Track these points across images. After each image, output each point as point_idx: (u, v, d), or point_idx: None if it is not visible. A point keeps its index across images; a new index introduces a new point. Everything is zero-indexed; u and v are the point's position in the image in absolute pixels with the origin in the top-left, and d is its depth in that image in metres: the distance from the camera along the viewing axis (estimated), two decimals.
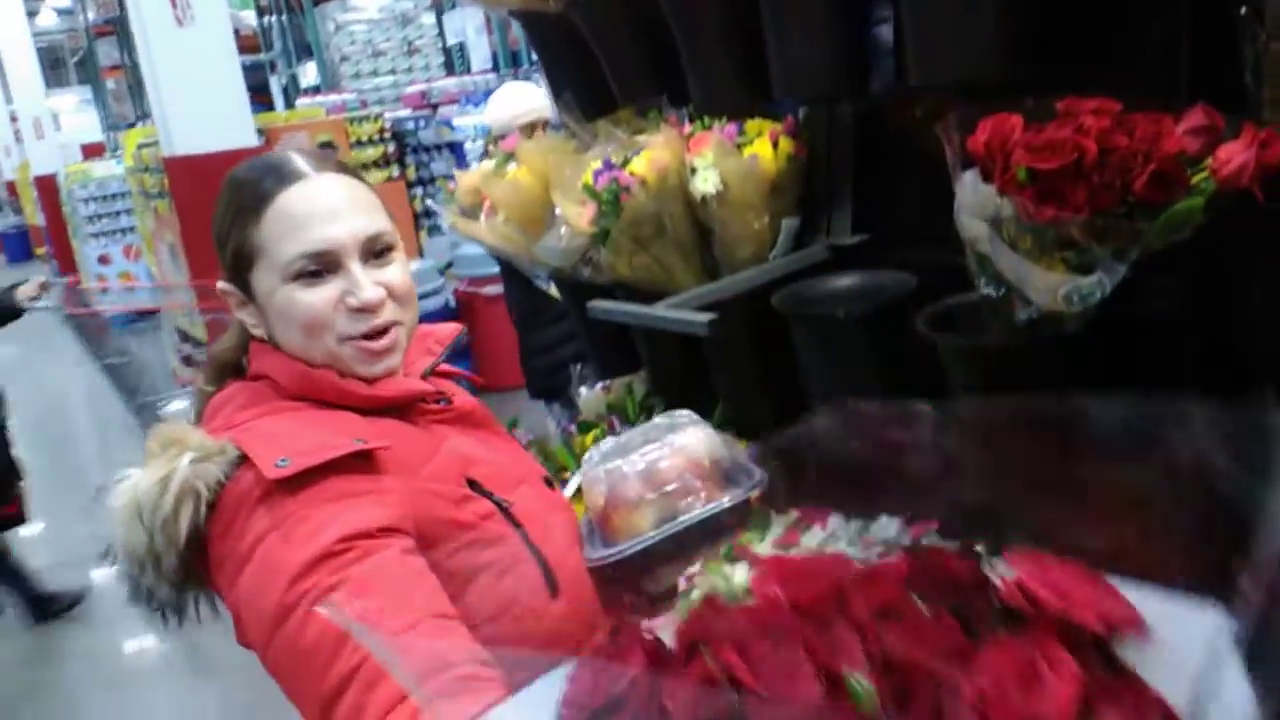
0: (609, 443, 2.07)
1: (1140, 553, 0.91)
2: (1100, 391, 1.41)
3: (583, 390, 2.51)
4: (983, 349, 1.41)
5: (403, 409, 1.13)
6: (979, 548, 0.75)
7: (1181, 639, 0.60)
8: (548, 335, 3.54)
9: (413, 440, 1.09)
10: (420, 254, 6.72)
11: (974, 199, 1.29)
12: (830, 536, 2.05)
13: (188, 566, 0.98)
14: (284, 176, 1.08)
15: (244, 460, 0.98)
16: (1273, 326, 1.32)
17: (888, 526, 2.01)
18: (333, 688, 0.89)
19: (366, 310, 1.08)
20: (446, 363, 1.26)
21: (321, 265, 1.06)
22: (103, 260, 10.30)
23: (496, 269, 4.21)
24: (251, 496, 0.96)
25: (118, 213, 10.30)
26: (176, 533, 0.95)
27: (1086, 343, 1.32)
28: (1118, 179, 1.08)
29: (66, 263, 12.30)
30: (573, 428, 2.38)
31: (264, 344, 1.12)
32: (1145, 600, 0.64)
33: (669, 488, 1.61)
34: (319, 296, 1.06)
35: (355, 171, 1.18)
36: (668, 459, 1.77)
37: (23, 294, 4.33)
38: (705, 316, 1.62)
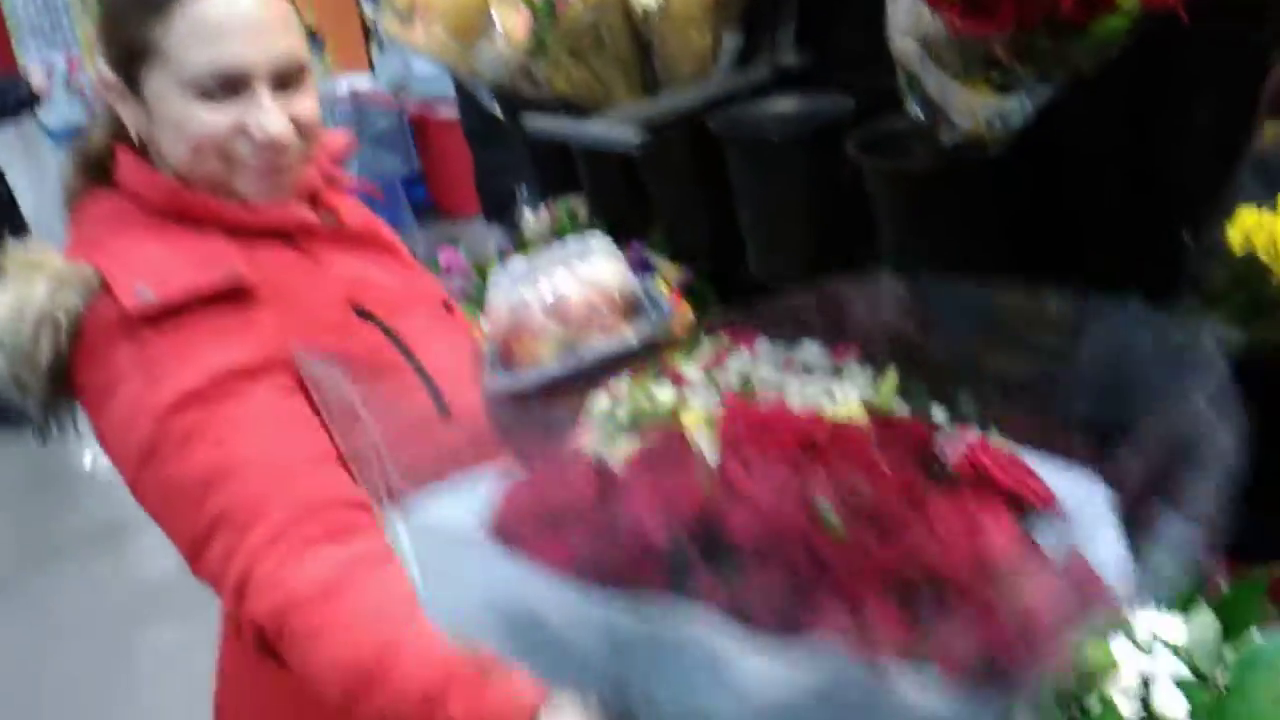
0: (519, 264, 2.07)
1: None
2: (1022, 219, 1.44)
3: (526, 211, 2.49)
4: (905, 173, 1.40)
5: (287, 232, 1.07)
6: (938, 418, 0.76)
7: (1070, 505, 0.63)
8: (502, 155, 3.46)
9: (293, 267, 1.04)
10: (371, 69, 6.44)
11: (905, 15, 1.26)
12: (757, 360, 2.09)
13: (56, 387, 0.96)
14: None
15: (105, 286, 0.94)
16: (1197, 156, 1.33)
17: (810, 349, 2.05)
18: (203, 529, 0.90)
19: (269, 145, 1.00)
20: (338, 174, 1.19)
21: (228, 86, 0.97)
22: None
23: (453, 89, 4.08)
24: (112, 327, 0.93)
25: (58, 17, 9.81)
26: (37, 361, 0.92)
27: (1010, 169, 1.32)
28: None
29: (10, 73, 11.78)
30: (512, 249, 2.37)
31: (132, 152, 1.04)
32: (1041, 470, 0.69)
33: (573, 318, 1.63)
34: (219, 118, 0.97)
35: None
36: (576, 289, 1.78)
37: None
38: (638, 135, 1.59)
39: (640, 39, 1.82)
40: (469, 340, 1.20)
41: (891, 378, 1.82)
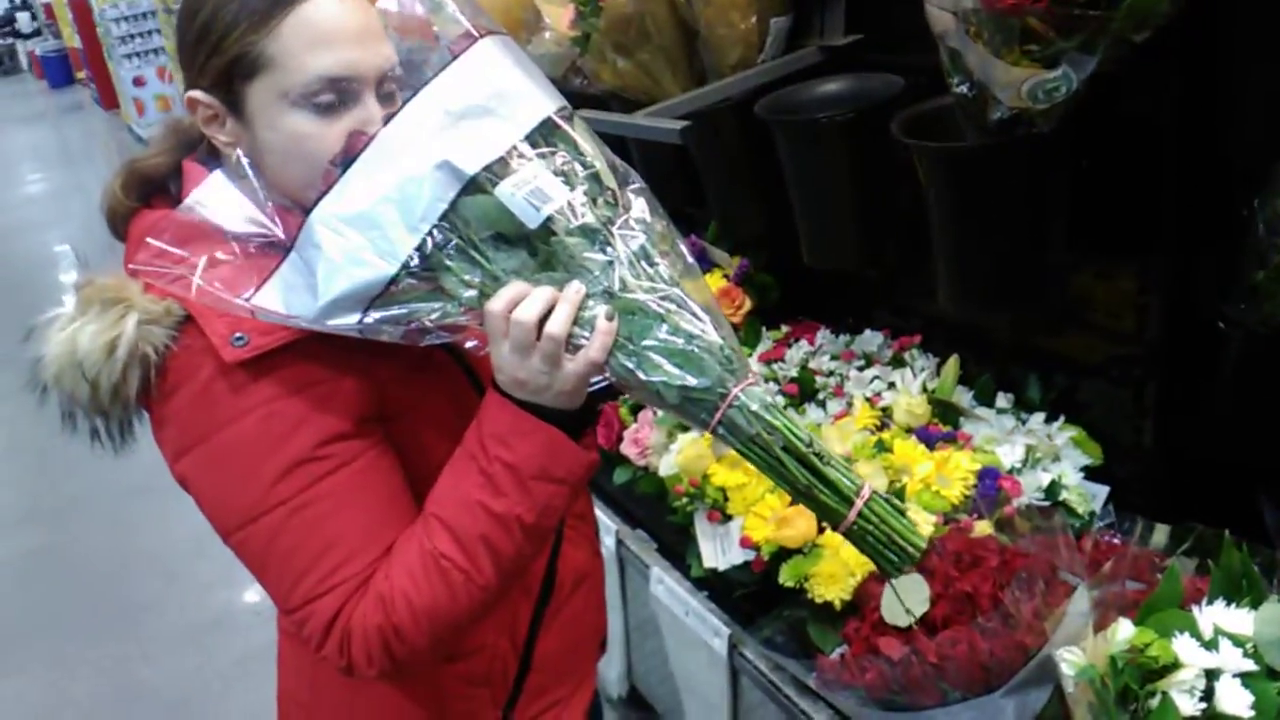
0: None
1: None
2: (1074, 194, 1.39)
3: None
4: (952, 152, 1.37)
5: None
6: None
7: None
8: None
9: None
10: None
11: None
12: (817, 350, 2.06)
13: (132, 412, 0.97)
14: None
15: (190, 320, 0.93)
16: (1255, 124, 1.26)
17: (871, 340, 2.02)
18: (301, 596, 0.94)
19: None
20: None
21: (340, 93, 0.93)
22: (138, 82, 10.21)
23: None
24: (204, 370, 0.93)
25: (149, 32, 10.14)
26: (126, 394, 0.93)
27: (1060, 143, 1.28)
28: None
29: (105, 86, 12.23)
30: None
31: (202, 167, 1.01)
32: None
33: None
34: (332, 129, 0.93)
35: None
36: None
37: None
38: (679, 124, 1.58)
39: (685, 28, 1.80)
40: None
41: (953, 366, 1.79)
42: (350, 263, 0.87)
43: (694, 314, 0.92)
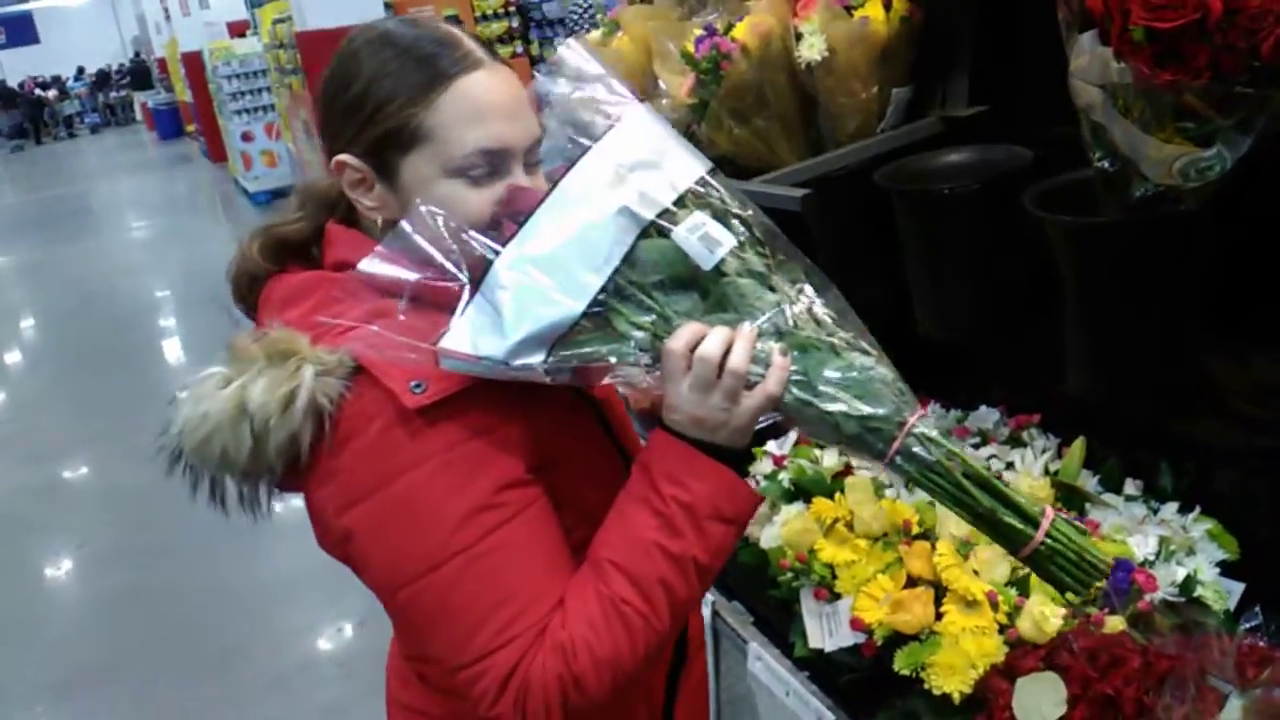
0: None
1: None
2: (1216, 275, 1.34)
3: None
4: (1094, 228, 1.32)
5: None
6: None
7: None
8: None
9: None
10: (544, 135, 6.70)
11: (1089, 62, 1.19)
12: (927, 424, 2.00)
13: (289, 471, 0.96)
14: (463, 58, 0.96)
15: (360, 371, 0.93)
16: None
17: (987, 417, 1.95)
18: (479, 649, 0.93)
19: None
20: None
21: (493, 165, 0.96)
22: (246, 138, 10.63)
23: None
24: (379, 419, 0.92)
25: (259, 90, 10.57)
26: (298, 449, 0.92)
27: (1204, 222, 1.23)
28: (1243, 41, 0.97)
29: (214, 140, 12.75)
30: None
31: (349, 229, 1.04)
32: None
33: None
34: (484, 198, 0.96)
35: None
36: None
37: None
38: (799, 192, 1.56)
39: (805, 96, 1.80)
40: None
41: (1079, 447, 1.72)
42: (539, 302, 0.90)
43: (864, 349, 0.95)
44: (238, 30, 12.70)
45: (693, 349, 0.91)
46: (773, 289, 0.95)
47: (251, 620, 3.49)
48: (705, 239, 0.92)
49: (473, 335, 0.91)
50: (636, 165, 0.94)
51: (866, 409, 0.93)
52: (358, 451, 0.93)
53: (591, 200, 0.92)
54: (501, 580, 0.93)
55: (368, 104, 0.96)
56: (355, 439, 0.93)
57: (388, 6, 6.74)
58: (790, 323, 0.94)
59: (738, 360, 0.90)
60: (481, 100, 0.95)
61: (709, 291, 0.94)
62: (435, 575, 0.92)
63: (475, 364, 0.91)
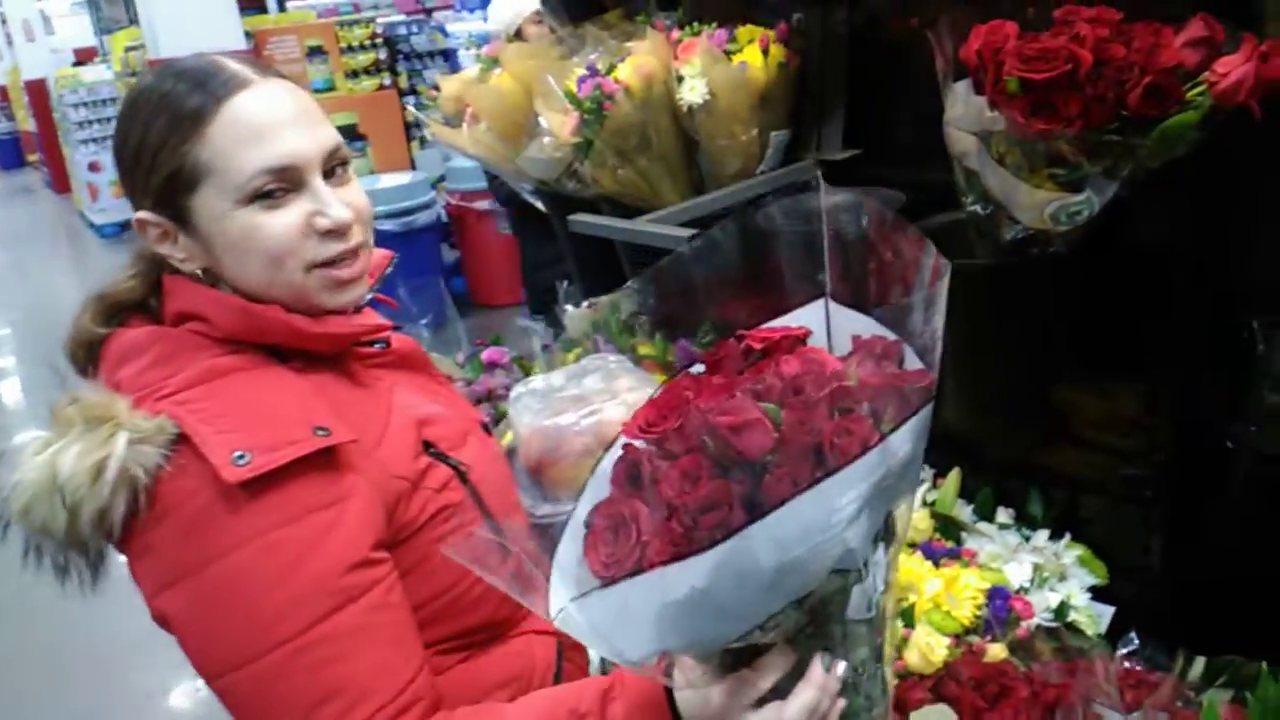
0: (538, 381, 2.07)
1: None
2: (1086, 313, 1.40)
3: (568, 308, 2.48)
4: (966, 270, 1.37)
5: (339, 356, 1.00)
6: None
7: None
8: (552, 249, 3.47)
9: (361, 405, 0.98)
10: (412, 166, 6.58)
11: (964, 111, 1.24)
12: None
13: (107, 543, 0.88)
14: (225, 83, 0.91)
15: (182, 439, 0.86)
16: (1264, 248, 1.29)
17: None
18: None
19: (338, 232, 0.94)
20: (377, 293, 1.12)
21: (284, 183, 0.91)
22: (93, 168, 10.14)
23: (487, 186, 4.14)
24: (200, 495, 0.85)
25: (109, 119, 10.11)
26: (110, 523, 0.84)
27: (1073, 263, 1.29)
28: (1112, 91, 1.03)
29: (58, 170, 12.12)
30: (554, 345, 2.35)
31: (186, 279, 0.96)
32: None
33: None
34: (285, 220, 0.91)
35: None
36: (610, 413, 1.78)
37: None
38: (685, 233, 1.58)
39: (687, 136, 1.82)
40: (507, 468, 1.15)
41: (955, 478, 1.77)
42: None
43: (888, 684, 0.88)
44: (85, 57, 12.14)
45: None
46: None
47: (106, 681, 3.27)
48: (868, 592, 0.81)
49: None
50: None
51: None
52: (174, 529, 0.85)
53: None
54: (330, 673, 0.85)
55: (145, 153, 0.91)
56: (172, 515, 0.85)
57: (248, 35, 6.54)
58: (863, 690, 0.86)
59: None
60: (255, 119, 0.91)
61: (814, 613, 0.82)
62: (254, 667, 0.85)
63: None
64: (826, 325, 0.91)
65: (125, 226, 9.44)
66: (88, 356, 0.98)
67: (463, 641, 1.01)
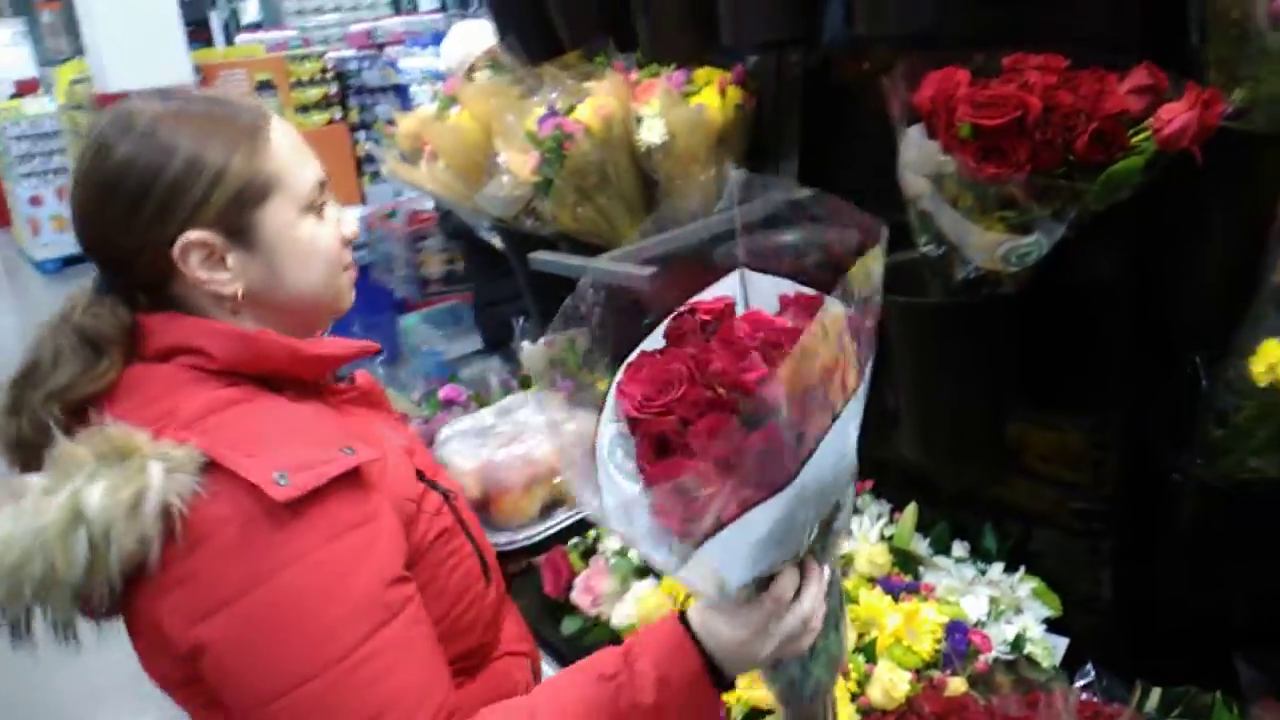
0: (465, 421, 2.10)
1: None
2: (1035, 351, 1.44)
3: (525, 344, 2.48)
4: (921, 307, 1.40)
5: (320, 390, 1.03)
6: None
7: None
8: (504, 286, 3.48)
9: (358, 432, 0.99)
10: (363, 201, 6.57)
11: (917, 155, 1.27)
12: None
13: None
14: (255, 107, 1.00)
15: (212, 467, 0.86)
16: (1208, 288, 1.33)
17: None
18: None
19: (353, 238, 1.08)
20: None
21: (324, 196, 1.02)
22: (34, 201, 9.94)
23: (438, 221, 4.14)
24: (239, 518, 0.85)
25: (51, 152, 9.94)
26: (145, 555, 0.83)
27: (1023, 302, 1.32)
28: (1060, 137, 1.07)
29: None
30: (514, 382, 2.35)
31: (173, 314, 0.96)
32: None
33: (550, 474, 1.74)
34: (331, 229, 1.02)
35: None
36: (548, 445, 1.83)
37: None
38: (647, 270, 1.59)
39: (645, 175, 1.84)
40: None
41: (911, 513, 1.79)
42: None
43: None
44: (26, 90, 11.93)
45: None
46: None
47: None
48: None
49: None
50: None
51: (826, 678, 1.01)
52: (215, 554, 0.85)
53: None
54: (384, 687, 0.87)
55: (203, 173, 0.92)
56: (211, 540, 0.85)
57: (196, 70, 6.50)
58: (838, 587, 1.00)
59: (817, 621, 0.92)
60: (293, 139, 1.01)
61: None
62: (311, 686, 0.85)
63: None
64: (743, 289, 1.06)
65: (68, 262, 9.26)
66: (30, 460, 0.93)
67: (456, 667, 1.02)
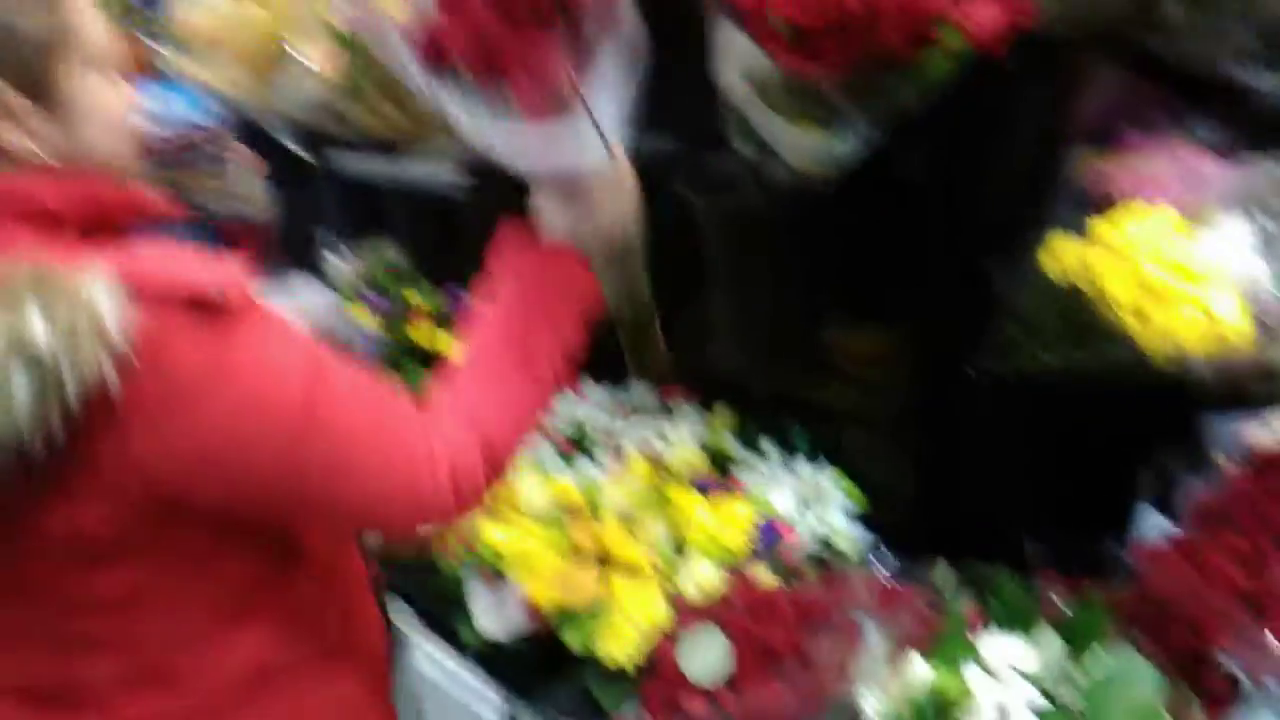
0: None
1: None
2: (845, 255, 1.48)
3: (330, 256, 2.37)
4: (736, 211, 1.42)
5: None
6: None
7: None
8: (301, 196, 3.29)
9: None
10: None
11: (735, 54, 1.27)
12: (588, 405, 2.04)
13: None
14: None
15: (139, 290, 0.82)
16: (1007, 186, 1.39)
17: (638, 390, 2.03)
18: (399, 468, 0.93)
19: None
20: None
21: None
22: None
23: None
24: (182, 336, 0.83)
25: None
26: (105, 389, 0.78)
27: (837, 204, 1.35)
28: (878, 37, 1.08)
29: None
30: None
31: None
32: None
33: None
34: (121, 92, 0.97)
35: None
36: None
37: None
38: (465, 178, 1.53)
39: None
40: None
41: (724, 415, 1.83)
42: None
43: None
44: None
45: None
46: None
47: None
48: None
49: None
50: None
51: None
52: (176, 371, 0.83)
53: None
54: (371, 406, 0.94)
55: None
56: (164, 362, 0.82)
57: None
58: None
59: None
60: None
61: None
62: (308, 441, 0.89)
63: None
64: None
65: None
66: None
67: None
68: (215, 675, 0.99)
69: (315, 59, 1.74)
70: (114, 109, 0.96)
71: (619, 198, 1.13)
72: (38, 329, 0.75)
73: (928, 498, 1.59)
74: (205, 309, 0.83)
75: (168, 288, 0.83)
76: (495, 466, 1.00)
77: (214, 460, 0.87)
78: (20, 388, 0.75)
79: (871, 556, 1.44)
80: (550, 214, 1.12)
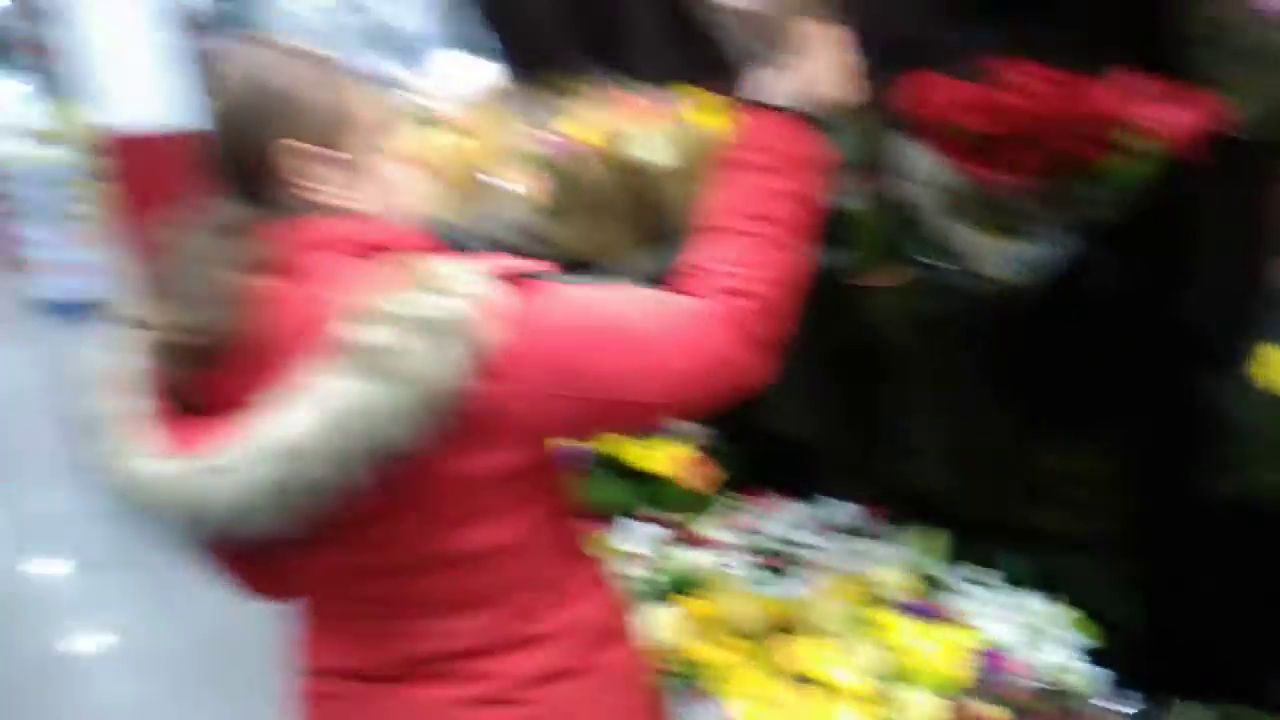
0: None
1: None
2: (1054, 364, 1.39)
3: None
4: (931, 320, 1.36)
5: None
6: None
7: None
8: None
9: None
10: None
11: (924, 166, 1.23)
12: (786, 520, 1.98)
13: None
14: None
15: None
16: (1215, 294, 1.29)
17: (845, 511, 1.95)
18: (688, 327, 1.02)
19: None
20: None
21: None
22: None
23: None
24: (529, 296, 0.99)
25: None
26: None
27: (1038, 316, 1.28)
28: (1067, 142, 1.03)
29: None
30: None
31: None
32: None
33: None
34: None
35: None
36: None
37: None
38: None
39: (646, 196, 1.81)
40: None
41: (939, 539, 1.73)
42: None
43: None
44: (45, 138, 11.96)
45: None
46: None
47: None
48: None
49: None
50: None
51: None
52: (528, 323, 0.98)
53: None
54: (653, 304, 1.03)
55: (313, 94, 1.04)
56: (519, 319, 0.97)
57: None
58: None
59: None
60: None
61: None
62: (609, 337, 1.01)
63: None
64: None
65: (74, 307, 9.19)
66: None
67: None
68: (573, 628, 1.11)
69: (518, 183, 1.83)
70: (399, 184, 1.09)
71: (831, 55, 1.09)
72: (442, 305, 0.94)
73: (1157, 630, 1.45)
74: (530, 283, 0.99)
75: (506, 270, 0.98)
76: (767, 310, 1.05)
77: (566, 382, 0.99)
78: (434, 356, 0.93)
79: (1106, 694, 1.32)
80: (770, 83, 1.10)
